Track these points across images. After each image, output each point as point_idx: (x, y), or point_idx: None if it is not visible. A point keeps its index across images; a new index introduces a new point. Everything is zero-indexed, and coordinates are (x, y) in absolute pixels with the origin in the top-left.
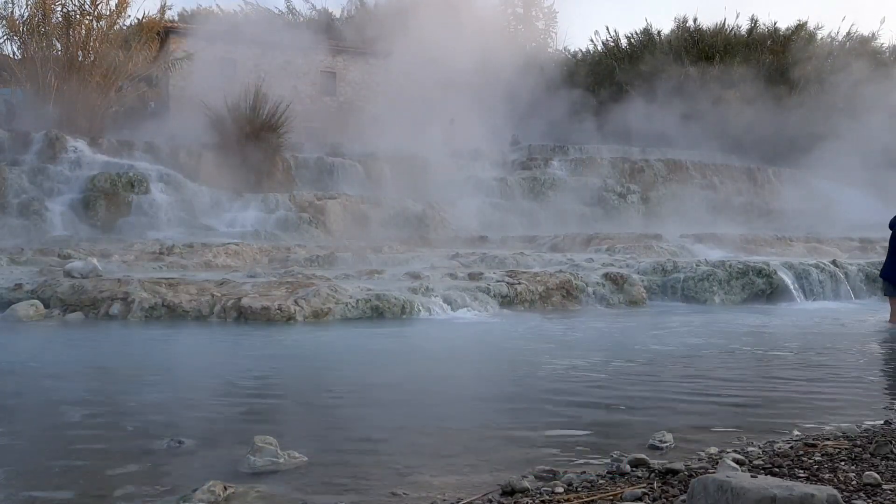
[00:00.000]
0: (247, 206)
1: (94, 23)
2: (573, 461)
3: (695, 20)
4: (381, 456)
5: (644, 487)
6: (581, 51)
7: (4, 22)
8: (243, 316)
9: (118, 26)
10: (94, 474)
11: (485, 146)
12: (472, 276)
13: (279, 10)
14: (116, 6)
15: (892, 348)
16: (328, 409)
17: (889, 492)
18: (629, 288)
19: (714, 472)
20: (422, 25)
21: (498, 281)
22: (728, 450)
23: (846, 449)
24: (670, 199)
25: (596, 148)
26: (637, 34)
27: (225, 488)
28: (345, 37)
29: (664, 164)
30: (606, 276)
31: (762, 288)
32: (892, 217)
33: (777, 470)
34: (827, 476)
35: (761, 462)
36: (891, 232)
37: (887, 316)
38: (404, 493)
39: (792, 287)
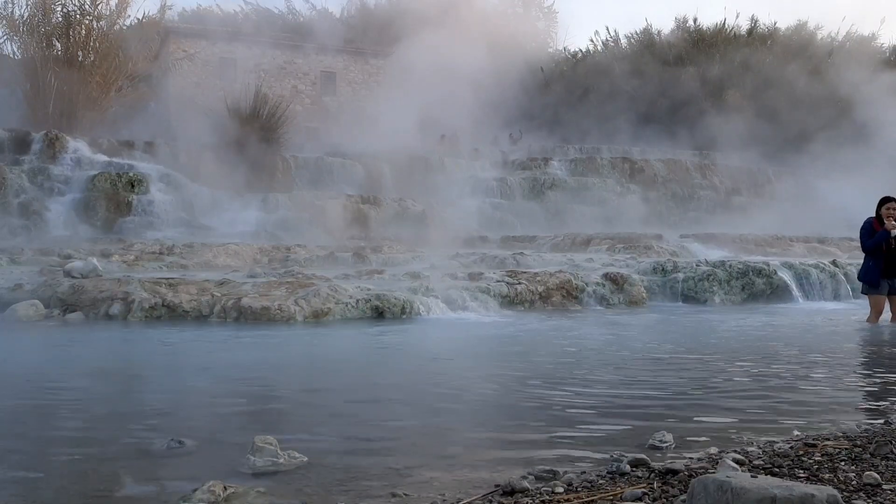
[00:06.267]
0: (247, 206)
1: (94, 23)
2: (573, 461)
3: (695, 20)
4: (381, 456)
5: (644, 487)
6: (581, 50)
7: (4, 22)
8: (243, 316)
9: (118, 26)
10: (93, 474)
11: (485, 146)
12: (472, 276)
13: (279, 10)
14: (116, 6)
15: (892, 348)
16: (328, 409)
17: (889, 492)
18: (629, 288)
19: (714, 472)
20: (421, 25)
21: (498, 281)
22: (728, 450)
23: (846, 449)
24: (670, 199)
25: (596, 148)
26: (637, 34)
27: (225, 488)
28: (345, 37)
29: (664, 164)
30: (606, 276)
31: (762, 288)
32: (865, 220)
33: (777, 470)
34: (827, 476)
35: (761, 462)
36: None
37: (887, 316)
38: (404, 493)
39: (792, 287)
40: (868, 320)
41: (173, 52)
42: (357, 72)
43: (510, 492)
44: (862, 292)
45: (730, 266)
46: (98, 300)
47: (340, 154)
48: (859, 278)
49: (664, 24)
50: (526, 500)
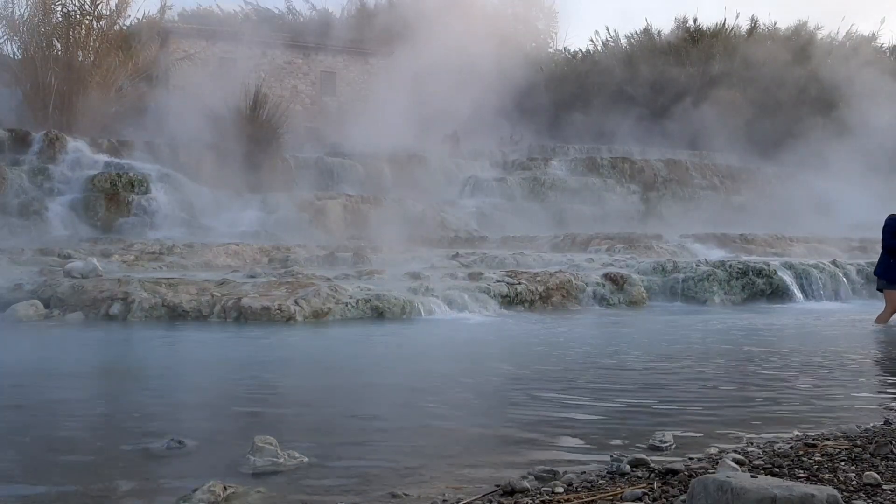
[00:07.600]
0: (247, 206)
1: (94, 23)
2: (573, 461)
3: (695, 20)
4: (381, 456)
5: (644, 487)
6: (581, 50)
7: (4, 22)
8: (243, 316)
9: (118, 26)
10: (93, 474)
11: (485, 146)
12: (472, 277)
13: (279, 10)
14: (116, 6)
15: (892, 348)
16: (328, 409)
17: (889, 492)
18: (629, 288)
19: (714, 473)
20: (421, 25)
21: (498, 281)
22: (728, 450)
23: (846, 449)
24: (670, 198)
25: (596, 148)
26: (637, 34)
27: (225, 488)
28: (345, 37)
29: (664, 164)
30: (606, 276)
31: (762, 288)
32: (888, 216)
33: (777, 470)
34: (827, 476)
35: (761, 462)
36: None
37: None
38: (404, 494)
39: (792, 287)
40: (877, 320)
41: (173, 52)
42: (357, 72)
43: (510, 492)
44: (878, 289)
45: (730, 266)
46: (98, 300)
47: (340, 154)
48: (877, 274)
49: (664, 25)
50: (526, 500)
